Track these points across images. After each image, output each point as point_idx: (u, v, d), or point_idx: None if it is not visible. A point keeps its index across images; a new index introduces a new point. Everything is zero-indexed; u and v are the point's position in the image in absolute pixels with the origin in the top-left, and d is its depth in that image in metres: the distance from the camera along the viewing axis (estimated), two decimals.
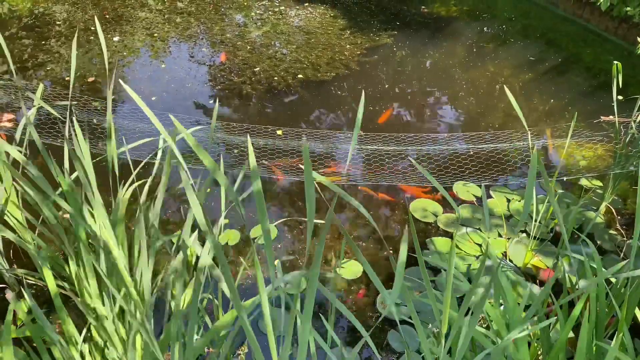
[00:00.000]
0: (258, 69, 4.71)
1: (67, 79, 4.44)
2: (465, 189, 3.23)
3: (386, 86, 4.60)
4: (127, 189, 2.00)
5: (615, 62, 2.33)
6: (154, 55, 5.05)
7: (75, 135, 1.69)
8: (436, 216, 3.05)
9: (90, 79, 4.43)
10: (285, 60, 4.90)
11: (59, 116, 2.17)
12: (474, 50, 5.31)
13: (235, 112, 4.15)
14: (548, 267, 2.66)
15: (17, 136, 2.06)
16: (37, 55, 4.85)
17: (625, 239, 2.84)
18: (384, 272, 2.71)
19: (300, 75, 4.60)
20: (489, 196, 3.20)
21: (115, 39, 5.28)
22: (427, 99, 4.49)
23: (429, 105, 4.39)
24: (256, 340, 1.19)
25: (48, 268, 1.59)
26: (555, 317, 1.64)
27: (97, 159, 1.68)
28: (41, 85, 2.30)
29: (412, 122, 4.13)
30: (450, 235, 2.91)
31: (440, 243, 2.85)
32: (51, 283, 1.57)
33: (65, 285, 2.41)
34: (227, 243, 2.83)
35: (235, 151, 3.42)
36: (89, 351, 2.02)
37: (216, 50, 5.16)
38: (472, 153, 3.54)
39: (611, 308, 1.84)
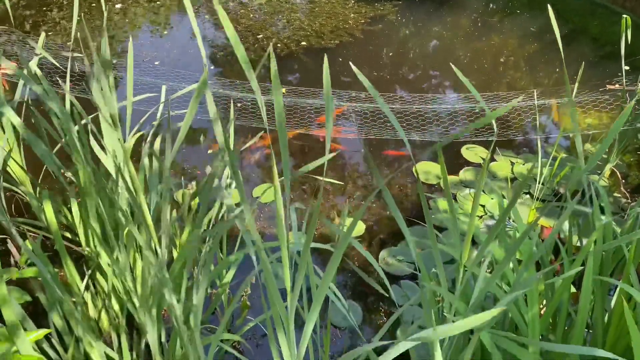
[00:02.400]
0: (261, 36, 4.66)
1: (68, 44, 4.41)
2: (473, 152, 3.22)
3: (390, 54, 4.56)
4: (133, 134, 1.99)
5: (624, 15, 2.30)
6: (156, 23, 5.01)
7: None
8: (439, 179, 3.04)
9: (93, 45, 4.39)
10: (289, 27, 4.85)
11: (59, 65, 2.14)
12: (479, 21, 5.26)
13: (238, 77, 4.12)
14: (550, 227, 2.66)
15: (20, 87, 2.05)
16: (38, 25, 4.81)
17: (629, 201, 2.83)
18: (386, 230, 2.71)
19: (303, 43, 4.56)
20: (493, 159, 3.18)
21: (118, 6, 5.24)
22: (430, 67, 4.45)
23: (432, 73, 4.35)
24: (270, 269, 1.17)
25: (49, 204, 1.57)
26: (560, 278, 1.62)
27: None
28: (42, 35, 2.27)
29: (415, 87, 4.10)
30: (454, 197, 2.90)
31: (443, 204, 2.84)
32: (51, 217, 1.55)
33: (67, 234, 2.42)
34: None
35: (239, 104, 3.41)
36: (91, 299, 2.02)
37: (219, 17, 5.12)
38: (477, 111, 3.52)
39: (617, 255, 1.82)
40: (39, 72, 1.61)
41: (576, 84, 2.27)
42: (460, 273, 1.25)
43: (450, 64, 1.21)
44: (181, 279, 1.69)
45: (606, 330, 1.68)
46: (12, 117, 1.52)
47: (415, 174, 3.07)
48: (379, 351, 1.61)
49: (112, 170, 1.59)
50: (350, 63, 1.18)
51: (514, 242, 1.28)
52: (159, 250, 1.29)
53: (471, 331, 1.76)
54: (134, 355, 1.89)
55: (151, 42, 4.61)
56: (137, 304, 1.53)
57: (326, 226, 2.70)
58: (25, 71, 1.85)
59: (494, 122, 1.13)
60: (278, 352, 1.24)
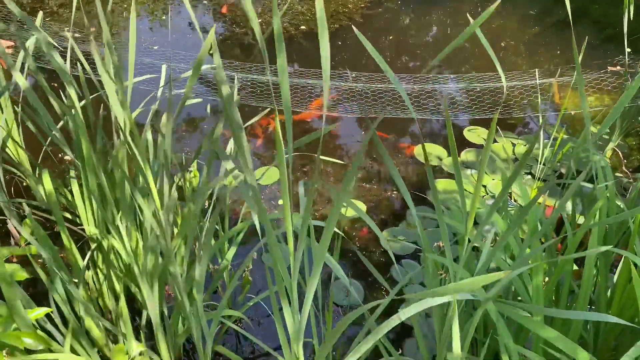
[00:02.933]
0: (260, 20, 4.63)
1: (67, 29, 4.38)
2: (475, 134, 3.21)
3: (390, 37, 4.54)
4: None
5: None
6: (154, 7, 4.97)
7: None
8: (440, 159, 3.02)
9: (92, 29, 4.37)
10: (288, 12, 4.81)
11: (57, 45, 2.12)
12: (479, 6, 5.22)
13: (238, 61, 4.09)
14: (552, 206, 2.65)
15: (18, 61, 2.02)
16: (35, 12, 4.77)
17: (631, 180, 2.82)
18: (386, 211, 2.70)
19: (303, 27, 4.53)
20: (495, 141, 3.17)
21: None
22: (431, 50, 4.42)
23: (433, 56, 4.33)
24: (273, 232, 1.15)
25: (47, 176, 1.56)
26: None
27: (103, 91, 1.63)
28: (40, 14, 2.24)
29: (415, 70, 4.07)
30: (454, 178, 2.89)
31: (444, 184, 2.83)
32: (49, 187, 1.54)
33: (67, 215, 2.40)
34: (230, 183, 2.81)
35: (238, 84, 3.39)
36: (92, 278, 2.01)
37: (217, 2, 5.08)
38: (479, 90, 3.50)
39: (620, 229, 1.82)
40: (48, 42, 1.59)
41: (579, 59, 2.25)
42: (465, 243, 1.24)
43: (468, 14, 1.18)
44: (182, 254, 1.68)
45: (609, 304, 1.67)
46: (19, 80, 1.50)
47: (415, 156, 3.06)
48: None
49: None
50: (354, 28, 1.16)
51: (518, 213, 1.28)
52: (161, 216, 1.28)
53: (474, 307, 1.76)
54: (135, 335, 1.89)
55: (149, 28, 4.58)
56: (138, 277, 1.52)
57: (327, 203, 2.69)
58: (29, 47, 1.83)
59: (504, 82, 1.11)
60: (281, 318, 1.23)
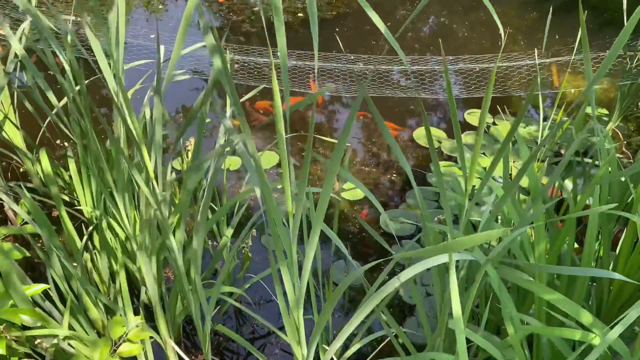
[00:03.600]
0: (257, 8, 4.61)
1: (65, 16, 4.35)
2: (475, 117, 3.20)
3: (388, 24, 4.51)
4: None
5: None
6: (150, 2, 4.95)
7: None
8: (440, 142, 3.01)
9: (88, 18, 4.34)
10: (285, 0, 4.80)
11: (53, 27, 2.10)
12: None
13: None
14: (555, 187, 2.64)
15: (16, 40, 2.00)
16: None
17: (632, 161, 2.80)
18: (385, 194, 2.68)
19: (300, 14, 4.51)
20: (494, 124, 3.16)
21: None
22: (429, 36, 4.40)
23: (431, 41, 4.31)
24: (275, 203, 1.13)
25: (45, 155, 1.54)
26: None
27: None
28: None
29: (413, 55, 4.06)
30: (454, 160, 2.87)
31: (442, 166, 2.82)
32: (47, 167, 1.53)
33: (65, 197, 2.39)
34: (228, 168, 2.80)
35: (236, 66, 3.38)
36: (90, 259, 2.00)
37: None
38: (478, 70, 3.49)
39: (621, 205, 1.80)
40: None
41: (585, 38, 2.23)
42: (465, 206, 1.22)
43: None
44: (180, 235, 1.66)
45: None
46: (13, 42, 1.47)
47: (414, 140, 3.04)
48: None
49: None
50: None
51: (516, 175, 1.26)
52: (157, 189, 1.26)
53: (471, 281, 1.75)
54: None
55: (147, 17, 4.56)
56: (136, 251, 1.51)
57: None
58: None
59: (503, 38, 1.09)
60: (282, 290, 1.22)
